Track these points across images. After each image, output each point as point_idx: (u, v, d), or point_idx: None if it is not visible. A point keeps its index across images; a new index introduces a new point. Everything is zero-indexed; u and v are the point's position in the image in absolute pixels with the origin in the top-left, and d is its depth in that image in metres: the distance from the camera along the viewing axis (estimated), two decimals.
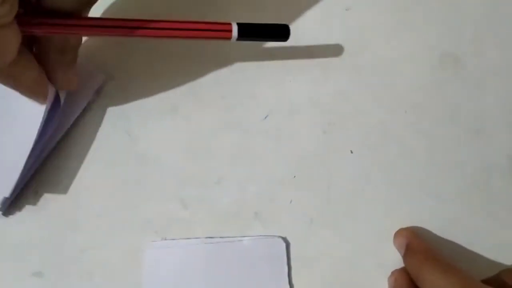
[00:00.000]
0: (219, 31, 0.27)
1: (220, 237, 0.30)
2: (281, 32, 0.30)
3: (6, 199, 0.29)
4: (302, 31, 0.33)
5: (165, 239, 0.30)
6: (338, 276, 0.29)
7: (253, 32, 0.29)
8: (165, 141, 0.31)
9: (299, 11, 0.34)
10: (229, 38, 0.28)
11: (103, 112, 0.32)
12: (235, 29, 0.28)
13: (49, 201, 0.30)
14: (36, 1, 0.25)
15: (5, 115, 0.30)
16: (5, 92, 0.27)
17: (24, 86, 0.26)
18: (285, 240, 0.30)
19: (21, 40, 0.24)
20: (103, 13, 0.33)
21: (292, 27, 0.31)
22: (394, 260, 0.29)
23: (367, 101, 0.32)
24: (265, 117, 0.32)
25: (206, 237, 0.30)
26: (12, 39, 0.23)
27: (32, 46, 0.27)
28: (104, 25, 0.26)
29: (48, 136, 0.30)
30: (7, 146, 0.29)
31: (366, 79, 0.33)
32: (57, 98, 0.30)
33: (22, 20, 0.24)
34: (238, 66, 0.33)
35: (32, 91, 0.27)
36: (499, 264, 0.30)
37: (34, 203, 0.30)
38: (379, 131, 0.32)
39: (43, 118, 0.29)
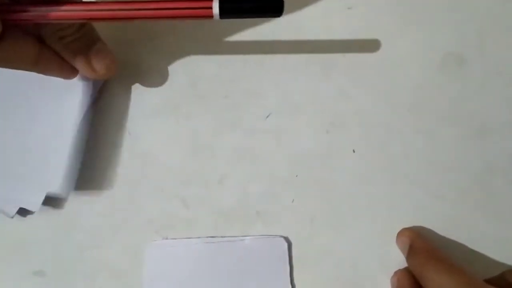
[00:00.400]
0: (198, 8, 0.25)
1: (222, 237, 0.30)
2: (271, 5, 0.25)
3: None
4: (304, 31, 0.33)
5: (166, 239, 0.30)
6: (340, 276, 0.29)
7: (238, 7, 0.25)
8: (166, 140, 0.31)
9: (301, 10, 0.34)
10: (211, 16, 0.25)
11: (105, 111, 0.32)
12: (216, 6, 0.25)
13: (50, 200, 0.30)
14: None
15: (45, 112, 0.31)
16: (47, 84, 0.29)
17: (23, 67, 0.27)
18: (286, 239, 0.29)
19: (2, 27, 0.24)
20: None
21: (294, 26, 0.31)
22: (397, 260, 0.29)
23: (370, 101, 0.32)
24: (267, 116, 0.32)
25: (208, 237, 0.30)
26: None
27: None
28: (70, 9, 0.25)
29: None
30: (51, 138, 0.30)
31: (369, 79, 0.33)
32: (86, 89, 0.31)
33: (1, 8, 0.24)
34: (240, 65, 0.33)
35: (39, 69, 0.28)
36: (503, 264, 0.30)
37: None
38: (382, 131, 0.32)
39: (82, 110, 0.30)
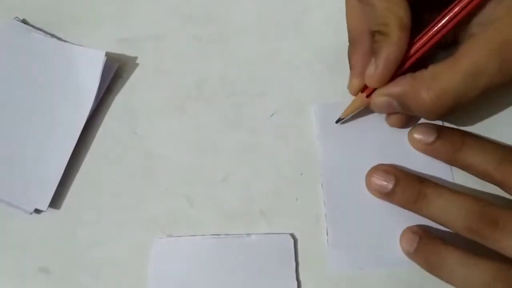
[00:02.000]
0: None
1: (226, 235, 0.29)
2: None
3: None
4: (309, 29, 0.34)
5: (171, 236, 0.30)
6: (345, 273, 0.29)
7: None
8: (171, 139, 0.32)
9: (305, 10, 0.34)
10: None
11: (111, 110, 0.32)
12: None
13: (56, 197, 0.30)
14: None
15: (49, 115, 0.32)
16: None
17: None
18: (293, 236, 0.29)
19: None
20: None
21: (299, 25, 0.31)
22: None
23: None
24: (272, 115, 0.32)
25: (212, 235, 0.29)
26: None
27: None
28: None
29: None
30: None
31: None
32: None
33: None
34: (244, 64, 0.33)
35: None
36: None
37: None
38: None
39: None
